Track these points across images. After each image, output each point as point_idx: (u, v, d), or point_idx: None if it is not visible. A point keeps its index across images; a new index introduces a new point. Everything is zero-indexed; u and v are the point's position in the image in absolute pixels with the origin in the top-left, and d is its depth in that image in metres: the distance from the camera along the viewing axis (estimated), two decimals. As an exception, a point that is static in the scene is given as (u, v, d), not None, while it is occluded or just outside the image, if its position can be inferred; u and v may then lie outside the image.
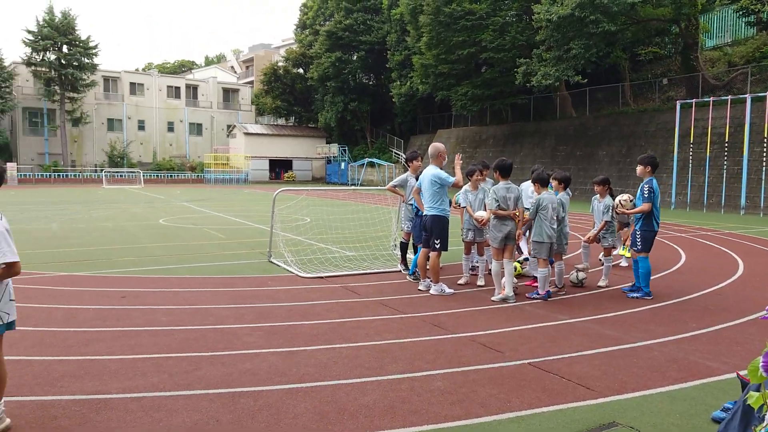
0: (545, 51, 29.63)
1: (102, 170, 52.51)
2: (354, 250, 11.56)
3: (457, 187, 8.06)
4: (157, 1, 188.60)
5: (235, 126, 61.75)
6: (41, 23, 50.66)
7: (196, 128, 64.64)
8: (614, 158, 30.56)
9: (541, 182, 7.81)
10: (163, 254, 11.04)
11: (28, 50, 51.03)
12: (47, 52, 51.31)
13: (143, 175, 51.19)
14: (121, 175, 52.76)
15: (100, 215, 19.65)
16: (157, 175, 56.06)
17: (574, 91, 35.69)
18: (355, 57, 53.57)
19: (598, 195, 8.83)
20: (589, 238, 8.81)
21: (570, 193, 8.74)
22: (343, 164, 55.24)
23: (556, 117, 37.08)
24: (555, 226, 7.66)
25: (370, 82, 56.80)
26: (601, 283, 8.51)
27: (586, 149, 32.75)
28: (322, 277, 8.84)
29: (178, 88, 63.83)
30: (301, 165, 61.39)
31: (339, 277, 8.89)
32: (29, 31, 50.52)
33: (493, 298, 7.49)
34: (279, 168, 60.58)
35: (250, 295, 7.68)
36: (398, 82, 47.17)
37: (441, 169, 7.97)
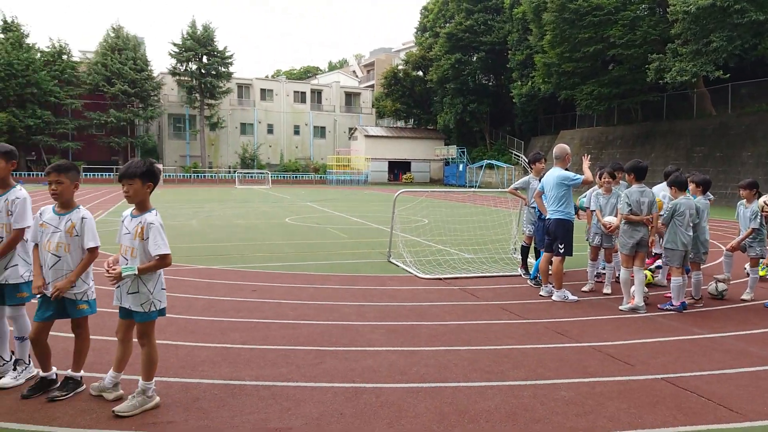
0: (681, 45, 27.62)
1: (235, 171, 56.20)
2: (472, 252, 11.47)
3: (587, 183, 7.73)
4: (285, 13, 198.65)
5: (356, 128, 63.52)
6: (185, 36, 55.20)
7: (320, 131, 67.28)
8: (761, 160, 27.81)
9: (679, 185, 7.29)
10: (290, 251, 11.61)
11: (174, 61, 55.85)
12: (189, 63, 55.82)
13: (271, 176, 54.11)
14: (251, 176, 56.13)
15: (233, 213, 21.04)
16: (283, 176, 59.01)
17: (713, 87, 32.94)
18: (475, 58, 53.10)
19: (745, 200, 8.08)
20: (732, 246, 8.09)
21: (711, 197, 8.07)
22: (461, 166, 54.95)
23: (692, 116, 34.41)
24: (690, 233, 7.12)
25: (490, 83, 56.04)
26: (745, 296, 7.79)
27: (728, 150, 30.08)
28: (440, 279, 8.86)
29: (303, 93, 66.82)
30: (420, 167, 61.88)
31: (457, 279, 8.86)
32: (175, 44, 55.27)
33: (621, 308, 7.10)
34: (397, 169, 61.48)
35: (371, 293, 7.87)
36: (519, 82, 46.14)
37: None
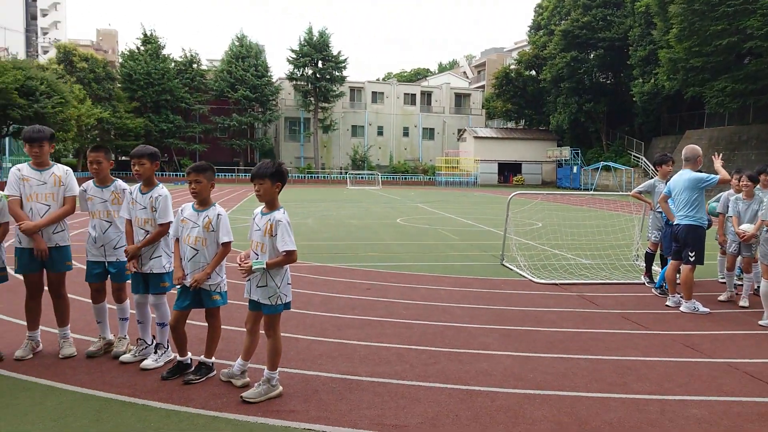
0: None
1: (346, 172, 57.77)
2: (591, 258, 11.00)
3: (723, 183, 7.17)
4: (396, 16, 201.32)
5: (465, 130, 63.06)
6: (302, 42, 57.54)
7: (429, 133, 67.48)
8: None
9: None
10: (402, 251, 11.74)
11: (291, 67, 58.37)
12: (306, 68, 58.10)
13: (381, 177, 55.04)
14: (362, 177, 57.42)
15: (346, 213, 21.64)
16: (392, 177, 59.80)
17: None
18: (592, 55, 50.86)
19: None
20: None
21: None
22: (575, 168, 52.88)
23: None
24: None
25: (608, 81, 53.44)
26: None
27: None
28: (556, 284, 8.58)
29: (413, 95, 67.35)
30: (531, 168, 60.27)
31: (575, 285, 8.53)
32: (293, 50, 57.76)
33: (761, 323, 6.51)
34: (508, 171, 60.27)
35: (484, 296, 7.78)
36: (640, 80, 43.63)
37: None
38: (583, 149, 54.03)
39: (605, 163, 46.82)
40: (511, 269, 9.71)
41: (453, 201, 31.31)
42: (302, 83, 58.68)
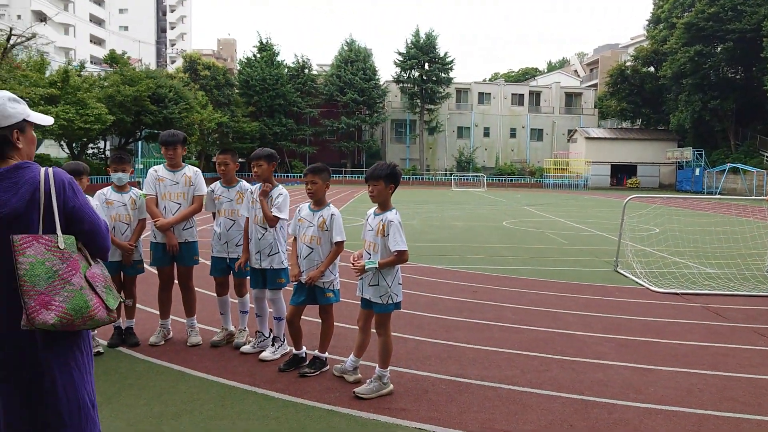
0: None
1: (451, 174, 57.57)
2: (716, 267, 10.21)
3: None
4: (504, 16, 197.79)
5: (576, 130, 60.73)
6: (409, 45, 58.08)
7: (537, 133, 65.66)
8: None
9: None
10: (509, 255, 11.53)
11: (398, 70, 59.08)
12: (412, 70, 58.57)
13: (486, 179, 54.31)
14: (466, 179, 56.98)
15: (451, 215, 21.57)
16: (498, 179, 58.83)
17: None
18: (719, 49, 47.17)
19: None
20: None
21: None
22: (697, 170, 49.29)
23: None
24: None
25: (737, 76, 49.31)
26: None
27: None
28: (677, 294, 8.05)
29: (521, 95, 65.82)
30: (647, 170, 56.92)
31: (699, 296, 7.97)
32: (399, 53, 58.46)
33: None
34: (621, 173, 57.33)
35: (597, 303, 7.46)
36: (776, 74, 39.89)
37: None
38: (706, 150, 50.27)
39: (732, 165, 43.26)
40: (627, 276, 9.23)
41: (562, 204, 30.27)
42: (409, 85, 59.18)
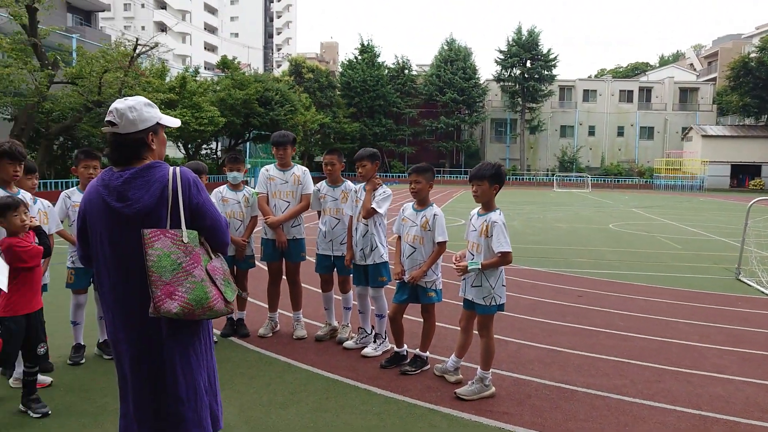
0: None
1: (553, 174, 55.79)
2: None
3: None
4: (612, 8, 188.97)
5: (691, 128, 56.87)
6: (510, 43, 56.95)
7: (647, 132, 62.13)
8: None
9: None
10: (615, 259, 11.01)
11: (498, 68, 58.10)
12: (513, 68, 57.38)
13: (590, 180, 52.15)
14: (569, 179, 55.00)
15: (553, 216, 20.93)
16: (603, 180, 56.27)
17: None
18: None
19: None
20: None
21: None
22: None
23: None
24: None
25: None
26: None
27: None
28: (810, 306, 7.34)
29: (630, 92, 62.55)
30: (773, 171, 52.26)
31: (836, 309, 7.22)
32: (501, 51, 57.46)
33: None
34: (743, 174, 53.00)
35: (716, 313, 6.96)
36: None
37: None
38: None
39: None
40: (750, 285, 8.54)
41: (674, 206, 28.48)
42: (509, 84, 58.02)
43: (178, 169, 2.54)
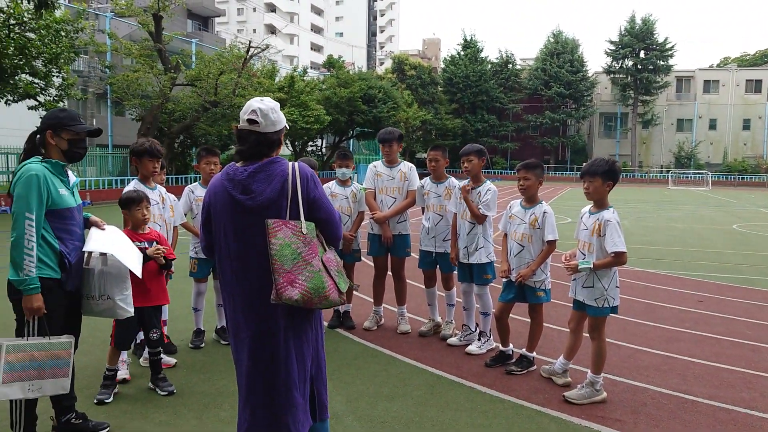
0: None
1: (668, 171, 52.46)
2: None
3: None
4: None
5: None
6: (622, 33, 54.14)
7: (778, 125, 56.84)
8: None
9: None
10: (741, 263, 10.18)
11: (609, 60, 55.42)
12: (625, 60, 54.50)
13: (711, 177, 48.53)
14: (686, 177, 51.47)
15: (668, 216, 19.70)
16: (725, 177, 52.14)
17: None
18: None
19: None
20: None
21: None
22: None
23: None
24: None
25: None
26: None
27: None
28: None
29: (758, 82, 57.40)
30: None
31: None
32: (611, 42, 54.78)
33: None
34: None
35: None
36: None
37: None
38: None
39: None
40: None
41: (810, 206, 25.86)
42: (621, 76, 55.18)
43: (296, 164, 2.66)
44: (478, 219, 5.04)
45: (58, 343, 3.13)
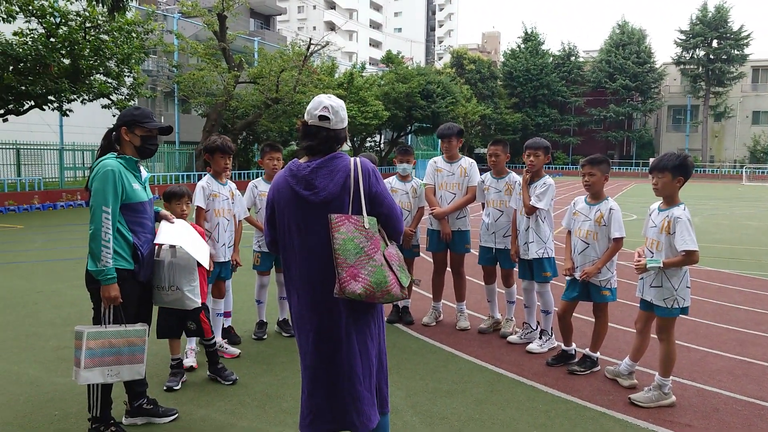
0: None
1: (743, 166, 49.86)
2: None
3: None
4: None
5: None
6: (693, 21, 51.76)
7: None
8: None
9: None
10: (823, 263, 9.59)
11: (679, 50, 53.11)
12: (696, 50, 52.10)
13: (789, 173, 45.80)
14: (763, 172, 48.80)
15: (742, 213, 18.75)
16: (806, 173, 49.15)
17: None
18: None
19: None
20: None
21: None
22: None
23: None
24: None
25: None
26: None
27: None
28: None
29: None
30: None
31: None
32: (682, 31, 52.47)
33: None
34: None
35: None
36: None
37: None
38: None
39: None
40: None
41: None
42: (691, 67, 52.79)
43: (358, 159, 2.68)
44: (527, 210, 4.96)
45: (134, 330, 3.28)
